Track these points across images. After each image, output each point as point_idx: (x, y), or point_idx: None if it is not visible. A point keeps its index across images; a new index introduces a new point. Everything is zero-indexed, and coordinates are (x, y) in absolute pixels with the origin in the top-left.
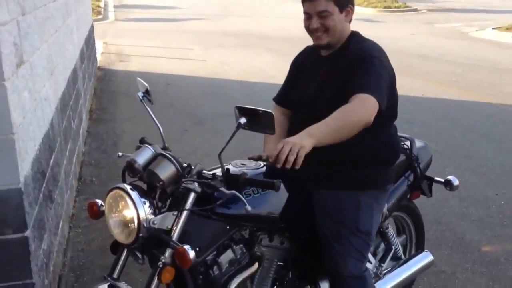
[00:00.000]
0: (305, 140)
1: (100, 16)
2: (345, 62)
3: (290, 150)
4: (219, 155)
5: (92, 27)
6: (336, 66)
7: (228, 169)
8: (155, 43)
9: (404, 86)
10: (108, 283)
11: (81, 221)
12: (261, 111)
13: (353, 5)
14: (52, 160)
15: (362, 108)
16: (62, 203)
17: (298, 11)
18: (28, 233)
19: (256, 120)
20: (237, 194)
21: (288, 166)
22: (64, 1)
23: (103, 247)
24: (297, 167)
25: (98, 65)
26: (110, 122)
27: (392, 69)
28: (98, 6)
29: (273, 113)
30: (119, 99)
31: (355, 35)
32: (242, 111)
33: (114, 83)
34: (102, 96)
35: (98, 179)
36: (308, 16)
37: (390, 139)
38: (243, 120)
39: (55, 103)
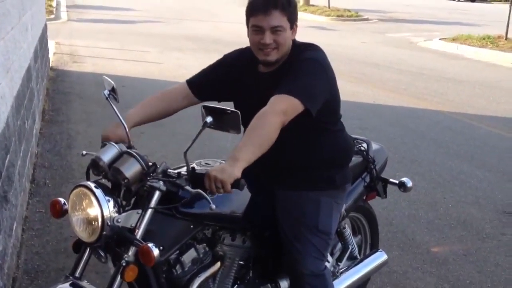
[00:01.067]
0: (233, 169)
1: (52, 16)
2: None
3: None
4: (185, 153)
5: (46, 26)
6: (280, 82)
7: (193, 168)
8: (109, 44)
9: (356, 93)
10: (70, 282)
11: (34, 223)
12: (228, 111)
13: (296, 23)
14: (7, 160)
15: (271, 112)
16: (16, 204)
17: None
18: None
19: (222, 119)
20: (202, 193)
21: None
22: None
23: (57, 250)
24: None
25: (50, 65)
26: (64, 123)
27: (332, 73)
28: (50, 6)
29: (238, 113)
30: (72, 100)
31: (297, 50)
32: (209, 110)
33: (67, 84)
34: (55, 97)
35: (51, 181)
36: (258, 31)
37: (341, 141)
38: (209, 119)
39: (10, 101)
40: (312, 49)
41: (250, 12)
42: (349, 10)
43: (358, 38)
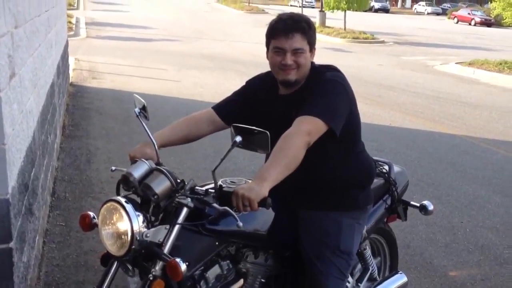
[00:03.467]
0: (261, 188)
1: (72, 33)
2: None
3: (243, 204)
4: (213, 172)
5: (67, 42)
6: (302, 103)
7: (221, 186)
8: (128, 61)
9: (373, 115)
10: None
11: (55, 236)
12: (256, 131)
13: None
14: (32, 173)
15: (296, 133)
16: (39, 217)
17: None
18: (12, 244)
19: (251, 139)
20: (230, 210)
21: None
22: (47, 16)
23: (78, 263)
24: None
25: (70, 81)
26: (83, 138)
27: (352, 93)
28: (70, 22)
29: (267, 133)
30: (92, 116)
31: (315, 72)
32: (238, 130)
33: (86, 100)
34: (74, 112)
35: (71, 195)
36: (280, 52)
37: (363, 162)
38: (238, 138)
39: (36, 116)
40: (331, 70)
41: (272, 34)
42: (364, 33)
43: (374, 61)
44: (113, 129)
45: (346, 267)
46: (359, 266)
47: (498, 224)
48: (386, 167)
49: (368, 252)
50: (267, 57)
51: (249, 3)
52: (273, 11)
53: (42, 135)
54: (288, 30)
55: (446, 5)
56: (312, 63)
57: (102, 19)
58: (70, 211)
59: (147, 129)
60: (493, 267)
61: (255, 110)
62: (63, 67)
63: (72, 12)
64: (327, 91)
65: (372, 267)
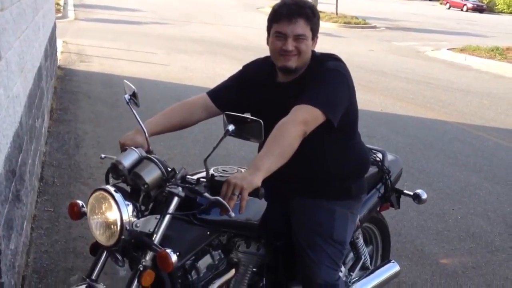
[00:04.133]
0: (254, 177)
1: (60, 15)
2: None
3: (232, 193)
4: (205, 160)
5: (55, 25)
6: (301, 92)
7: (212, 175)
8: (116, 44)
9: (364, 100)
10: (87, 284)
11: (43, 222)
12: (249, 119)
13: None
14: (20, 159)
15: (292, 122)
16: (26, 203)
17: (259, 21)
18: None
19: (244, 128)
20: (221, 200)
21: (229, 211)
22: None
23: (66, 250)
24: (241, 211)
25: (58, 64)
26: (72, 122)
27: (352, 84)
28: (58, 4)
29: (261, 122)
30: (80, 100)
31: (317, 61)
32: (231, 118)
33: (75, 83)
34: (63, 96)
35: (59, 180)
36: (281, 37)
37: (359, 152)
38: (231, 127)
39: (24, 100)
40: (333, 59)
41: (274, 18)
42: (356, 17)
43: (365, 46)
44: (102, 113)
45: (339, 257)
46: (351, 255)
47: (489, 211)
48: (380, 155)
49: (360, 241)
50: (267, 42)
51: None
52: None
53: (29, 119)
54: (291, 15)
55: None
56: (313, 51)
57: (91, 1)
58: (59, 196)
59: (137, 116)
60: (484, 255)
61: (252, 97)
62: (51, 50)
63: None
64: (328, 80)
65: (365, 256)
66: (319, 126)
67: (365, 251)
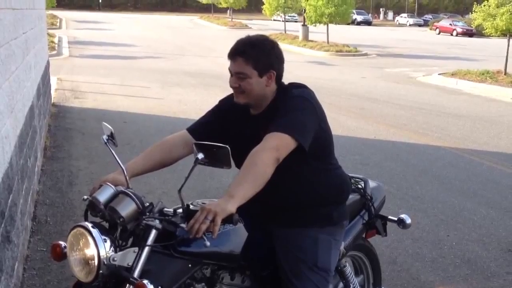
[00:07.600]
0: (227, 204)
1: (54, 52)
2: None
3: (205, 218)
4: (179, 191)
5: (48, 63)
6: (270, 122)
7: (188, 205)
8: (110, 80)
9: (357, 128)
10: None
11: (35, 262)
12: (216, 146)
13: (276, 69)
14: (10, 200)
15: (263, 150)
16: (18, 244)
17: None
18: None
19: (212, 155)
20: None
21: (198, 235)
22: (24, 39)
23: None
24: (214, 236)
25: (52, 101)
26: (65, 159)
27: (320, 109)
28: (52, 42)
29: (228, 148)
30: (74, 136)
31: (283, 91)
32: (199, 147)
33: (69, 120)
34: (56, 133)
35: (53, 218)
36: (231, 74)
37: (336, 178)
38: (200, 155)
39: (14, 141)
40: (299, 87)
41: (228, 56)
42: (347, 45)
43: (357, 73)
44: (96, 149)
45: (324, 284)
46: (341, 284)
47: (484, 236)
48: (362, 183)
49: (348, 269)
50: None
51: (232, 18)
52: (256, 26)
53: (20, 159)
54: (232, 53)
55: (428, 17)
56: (282, 83)
57: (85, 38)
58: (52, 235)
59: (116, 156)
60: (480, 281)
61: (228, 129)
62: (44, 88)
63: (55, 31)
64: (293, 107)
65: (354, 284)
66: (292, 153)
67: (354, 279)
